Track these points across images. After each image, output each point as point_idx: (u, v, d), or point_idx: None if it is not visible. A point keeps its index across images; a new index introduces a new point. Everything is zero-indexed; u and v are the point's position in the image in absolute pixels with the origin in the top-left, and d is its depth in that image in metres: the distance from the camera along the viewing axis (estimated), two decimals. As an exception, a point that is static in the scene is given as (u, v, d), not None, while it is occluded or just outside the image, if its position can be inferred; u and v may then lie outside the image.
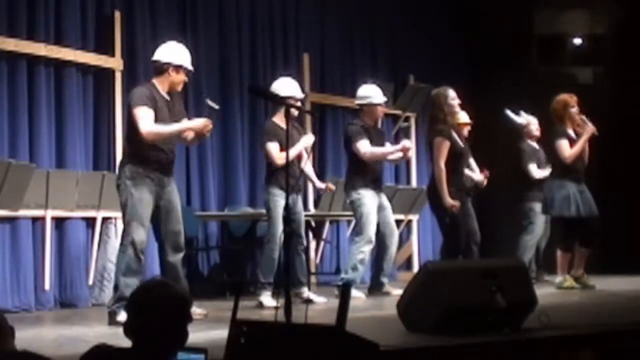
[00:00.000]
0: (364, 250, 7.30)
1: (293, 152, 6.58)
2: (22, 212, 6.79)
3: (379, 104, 7.55)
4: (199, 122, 5.77)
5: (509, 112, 8.76)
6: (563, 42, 11.10)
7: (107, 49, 7.68)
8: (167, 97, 5.80)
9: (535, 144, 8.77)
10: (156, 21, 8.18)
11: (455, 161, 6.74)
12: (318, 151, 9.47)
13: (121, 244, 5.68)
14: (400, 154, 7.51)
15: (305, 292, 6.84)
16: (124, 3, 7.93)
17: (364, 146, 7.34)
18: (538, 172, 8.56)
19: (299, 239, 6.88)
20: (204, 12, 8.64)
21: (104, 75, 7.66)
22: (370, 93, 7.56)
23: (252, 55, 9.05)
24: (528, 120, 8.78)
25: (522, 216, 8.64)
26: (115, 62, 7.69)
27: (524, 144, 8.76)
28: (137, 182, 5.62)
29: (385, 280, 7.59)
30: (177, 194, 5.89)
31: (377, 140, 7.51)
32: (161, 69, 5.80)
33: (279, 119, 6.90)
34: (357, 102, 7.63)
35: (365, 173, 7.40)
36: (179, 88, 5.92)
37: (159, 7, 8.24)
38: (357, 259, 7.27)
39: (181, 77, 5.82)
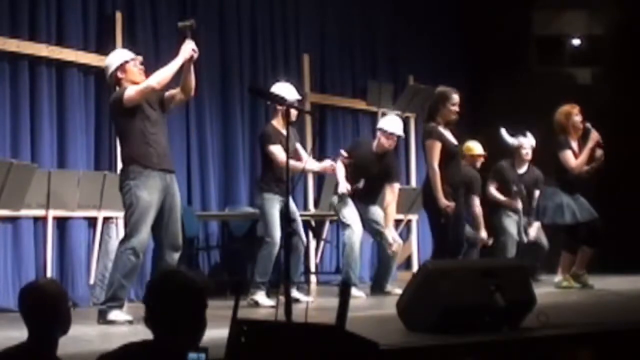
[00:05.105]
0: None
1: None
2: (23, 212, 6.80)
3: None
4: (186, 50, 5.66)
5: (503, 132, 8.77)
6: (562, 43, 11.12)
7: (108, 50, 7.64)
8: None
9: (522, 168, 8.79)
10: (157, 22, 8.19)
11: (448, 160, 6.72)
12: (318, 151, 9.48)
13: (122, 244, 5.68)
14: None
15: (293, 292, 6.82)
16: (125, 4, 7.95)
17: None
18: (493, 193, 8.67)
19: (300, 239, 6.88)
20: (205, 12, 8.65)
21: (105, 76, 7.67)
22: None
23: (252, 55, 9.06)
24: (520, 143, 8.76)
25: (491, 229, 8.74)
26: (116, 63, 7.70)
27: (501, 162, 8.80)
28: (141, 183, 5.61)
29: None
30: (179, 193, 5.89)
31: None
32: (113, 79, 5.91)
33: (277, 123, 6.93)
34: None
35: None
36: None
37: (160, 8, 8.25)
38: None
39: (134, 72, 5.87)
